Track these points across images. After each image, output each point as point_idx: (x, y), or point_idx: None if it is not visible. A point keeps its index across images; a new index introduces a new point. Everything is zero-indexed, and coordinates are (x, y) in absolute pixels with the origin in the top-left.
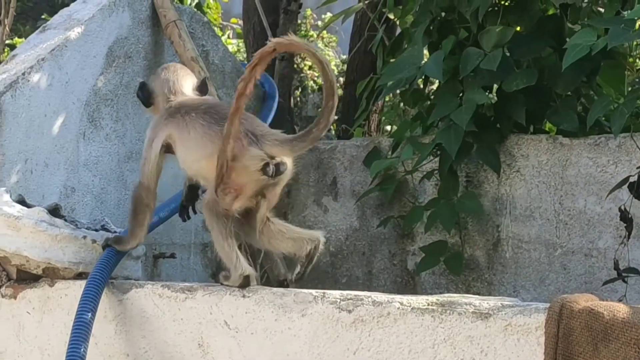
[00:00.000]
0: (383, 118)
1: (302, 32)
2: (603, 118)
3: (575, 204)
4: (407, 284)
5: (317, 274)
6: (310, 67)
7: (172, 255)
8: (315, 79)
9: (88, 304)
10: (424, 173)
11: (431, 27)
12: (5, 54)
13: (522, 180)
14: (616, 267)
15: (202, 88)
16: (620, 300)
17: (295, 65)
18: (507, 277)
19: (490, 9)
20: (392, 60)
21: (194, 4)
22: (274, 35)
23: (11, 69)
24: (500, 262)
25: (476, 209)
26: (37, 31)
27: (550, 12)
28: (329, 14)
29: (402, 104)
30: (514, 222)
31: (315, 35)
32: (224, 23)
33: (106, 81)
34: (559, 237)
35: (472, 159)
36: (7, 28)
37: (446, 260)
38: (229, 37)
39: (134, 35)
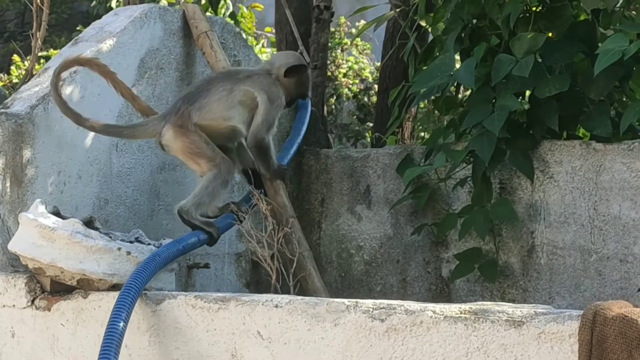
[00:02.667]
0: (417, 125)
1: (337, 40)
2: (637, 123)
3: (610, 209)
4: (442, 292)
5: (351, 282)
6: (344, 75)
7: (206, 266)
8: (350, 86)
9: (121, 314)
10: (457, 180)
11: (462, 34)
12: (40, 65)
13: (556, 187)
14: None
15: None
16: None
17: (330, 74)
18: (542, 284)
19: (521, 15)
20: (424, 67)
21: (228, 14)
22: (307, 44)
23: (44, 81)
24: (535, 269)
25: (510, 215)
26: (69, 44)
27: (582, 17)
28: (362, 22)
29: (435, 112)
30: (548, 228)
31: (349, 43)
32: (258, 32)
33: (138, 92)
34: (594, 242)
35: (505, 166)
36: (39, 41)
37: (481, 268)
38: (263, 46)
39: (165, 47)
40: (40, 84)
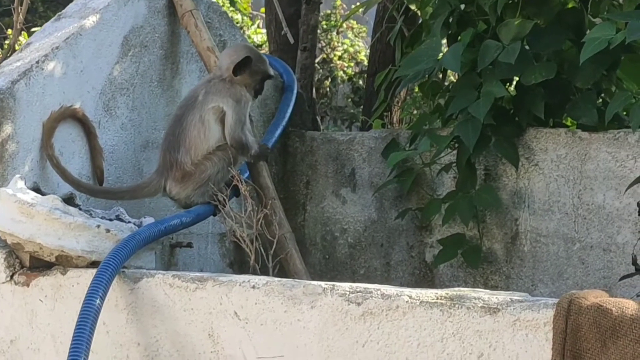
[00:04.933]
0: (404, 109)
1: (332, 22)
2: (623, 112)
3: (594, 198)
4: (425, 277)
5: (335, 265)
6: (340, 58)
7: (189, 245)
8: (345, 69)
9: (98, 290)
10: (442, 165)
11: (450, 19)
12: (24, 39)
13: (540, 174)
14: (634, 263)
15: None
16: (638, 296)
17: (325, 56)
18: (525, 271)
19: (509, 1)
20: (411, 52)
21: None
22: (294, 26)
23: (25, 57)
24: (519, 256)
25: (494, 202)
26: (52, 19)
27: (570, 5)
28: (358, 4)
29: (421, 96)
30: (532, 215)
31: (344, 26)
32: (254, 13)
33: (122, 70)
34: (578, 231)
35: (490, 152)
36: (21, 16)
37: (464, 253)
38: (258, 27)
39: (149, 25)
40: (22, 59)
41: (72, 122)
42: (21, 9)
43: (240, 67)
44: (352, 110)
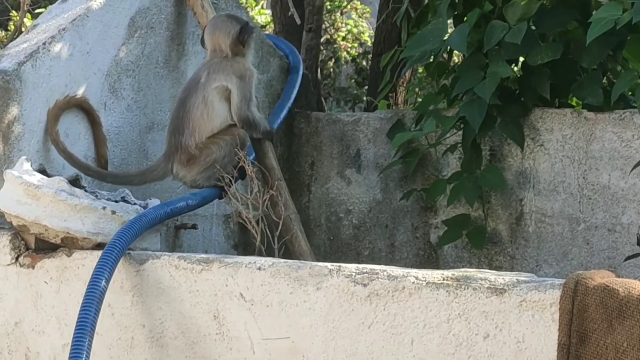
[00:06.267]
0: (409, 90)
1: (336, 3)
2: (630, 93)
3: (599, 178)
4: (430, 257)
5: (339, 246)
6: (343, 39)
7: (194, 226)
8: (349, 49)
9: (103, 272)
10: (447, 146)
11: (456, 0)
12: (30, 21)
13: (546, 155)
14: (639, 243)
15: None
16: None
17: (329, 37)
18: (530, 252)
19: None
20: (417, 32)
21: None
22: (300, 7)
23: (32, 38)
24: (523, 237)
25: (499, 183)
26: (58, 1)
27: None
28: None
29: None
30: (537, 196)
31: (348, 6)
32: None
33: (128, 52)
34: (583, 211)
35: (495, 133)
36: None
37: (469, 234)
38: (262, 8)
39: (156, 6)
40: (29, 41)
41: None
42: None
43: (239, 42)
44: (355, 91)
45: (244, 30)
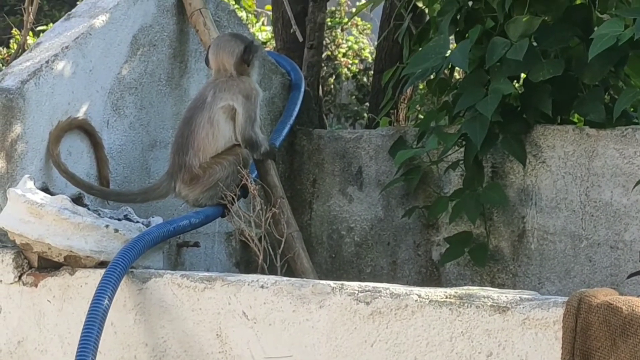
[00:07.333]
0: (410, 107)
1: (337, 19)
2: (632, 109)
3: (602, 195)
4: (432, 275)
5: (341, 263)
6: (344, 55)
7: (196, 244)
8: (349, 66)
9: (106, 291)
10: (449, 163)
11: (458, 16)
12: (34, 39)
13: (548, 171)
14: None
15: None
16: None
17: (329, 53)
18: (532, 269)
19: None
20: (418, 49)
21: None
22: (301, 24)
23: (35, 56)
24: (526, 254)
25: (501, 200)
26: (62, 19)
27: (578, 1)
28: (363, 1)
29: (429, 94)
30: (539, 213)
31: (348, 23)
32: (259, 10)
33: (130, 69)
34: (585, 228)
35: (497, 150)
36: (31, 15)
37: (471, 251)
38: (263, 24)
39: (158, 24)
40: (32, 59)
41: (82, 119)
42: (31, 9)
43: (242, 61)
44: (356, 108)
45: (249, 50)
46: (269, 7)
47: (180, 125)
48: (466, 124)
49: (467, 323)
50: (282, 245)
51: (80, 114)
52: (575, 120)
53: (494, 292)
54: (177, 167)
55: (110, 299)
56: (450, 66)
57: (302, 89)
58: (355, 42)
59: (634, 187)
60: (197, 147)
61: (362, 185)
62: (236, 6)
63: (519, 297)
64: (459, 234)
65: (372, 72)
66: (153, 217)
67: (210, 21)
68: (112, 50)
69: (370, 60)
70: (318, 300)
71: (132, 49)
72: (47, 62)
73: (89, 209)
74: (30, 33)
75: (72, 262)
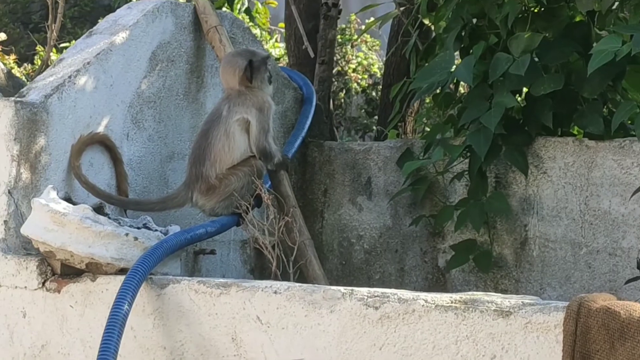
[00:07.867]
0: (417, 120)
1: (347, 37)
2: (629, 122)
3: (600, 204)
4: (438, 281)
5: (351, 270)
6: (354, 70)
7: (212, 252)
8: (359, 81)
9: (126, 296)
10: (455, 174)
11: (462, 33)
12: (57, 55)
13: (549, 182)
14: (639, 267)
15: None
16: None
17: (340, 69)
18: (534, 275)
19: (519, 15)
20: (425, 64)
21: (243, 9)
22: (312, 41)
23: (58, 72)
24: (528, 261)
25: (504, 209)
26: (83, 36)
27: (578, 18)
28: (372, 19)
29: (435, 107)
30: (540, 221)
31: (358, 39)
32: (272, 27)
33: (149, 84)
34: (584, 236)
35: (501, 161)
36: (54, 32)
37: (475, 258)
38: (276, 41)
39: (176, 40)
40: (55, 74)
41: (103, 132)
42: (55, 27)
43: (247, 77)
44: (365, 121)
45: (251, 67)
46: (282, 24)
47: (197, 138)
48: (471, 136)
49: (471, 327)
50: (295, 253)
51: (102, 127)
52: (575, 132)
53: (497, 297)
54: (194, 177)
55: (130, 304)
56: (455, 81)
57: (314, 103)
58: (364, 58)
59: (631, 196)
60: (214, 159)
61: (371, 195)
62: (250, 24)
63: (522, 302)
64: (464, 242)
65: (381, 86)
66: (171, 226)
67: (225, 38)
68: (132, 66)
69: (379, 75)
70: (329, 305)
71: (151, 65)
72: (69, 77)
73: (109, 218)
74: (54, 49)
75: (93, 269)
